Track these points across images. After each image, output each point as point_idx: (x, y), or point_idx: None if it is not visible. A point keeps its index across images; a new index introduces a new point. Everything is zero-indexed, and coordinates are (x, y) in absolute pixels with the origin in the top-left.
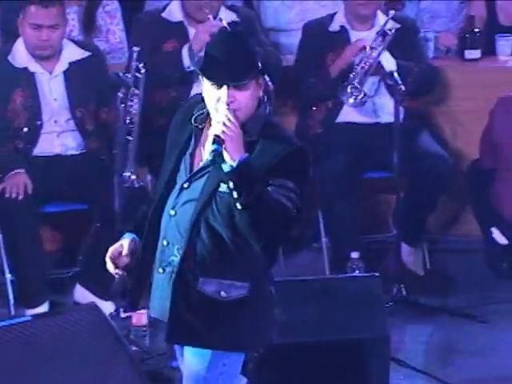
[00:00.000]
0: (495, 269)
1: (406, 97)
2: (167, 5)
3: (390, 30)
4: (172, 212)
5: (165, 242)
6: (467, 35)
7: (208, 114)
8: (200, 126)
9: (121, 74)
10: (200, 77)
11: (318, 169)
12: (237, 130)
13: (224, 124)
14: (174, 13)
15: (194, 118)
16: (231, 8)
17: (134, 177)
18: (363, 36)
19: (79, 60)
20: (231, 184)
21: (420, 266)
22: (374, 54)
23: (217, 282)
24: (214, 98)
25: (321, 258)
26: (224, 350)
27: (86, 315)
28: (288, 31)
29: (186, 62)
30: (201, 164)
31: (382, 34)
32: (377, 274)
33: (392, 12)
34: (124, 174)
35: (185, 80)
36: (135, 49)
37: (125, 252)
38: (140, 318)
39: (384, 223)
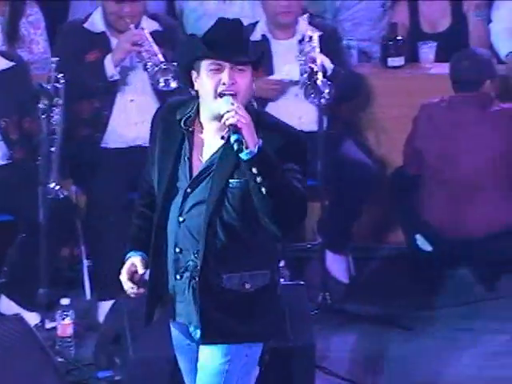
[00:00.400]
0: (420, 276)
1: (331, 102)
2: (89, 15)
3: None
4: (181, 218)
5: (177, 249)
6: (390, 42)
7: (196, 115)
8: (190, 129)
9: (44, 85)
10: (195, 71)
11: None
12: (248, 117)
13: (236, 112)
14: (96, 23)
15: (183, 121)
16: (153, 17)
17: (58, 187)
18: (284, 45)
19: (3, 70)
20: (254, 170)
21: (345, 274)
22: (313, 54)
23: (239, 276)
24: (214, 83)
25: None
26: (254, 341)
27: (12, 327)
28: None
29: (109, 71)
30: (199, 166)
31: (309, 39)
32: (302, 282)
33: (306, 15)
34: (48, 184)
35: (108, 90)
36: (54, 59)
37: (141, 270)
38: (65, 328)
39: (309, 231)
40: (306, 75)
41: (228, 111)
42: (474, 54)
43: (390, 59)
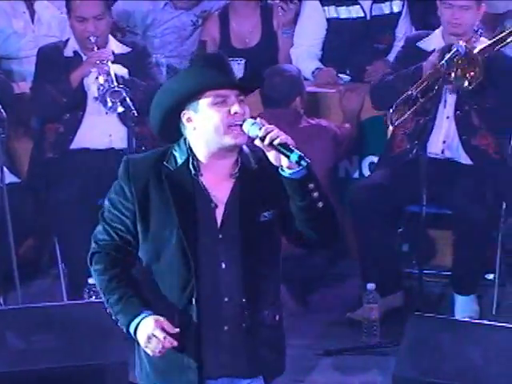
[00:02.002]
0: None
1: (136, 117)
2: None
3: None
4: (223, 265)
5: (226, 299)
6: None
7: (194, 158)
8: (199, 173)
9: None
10: (188, 111)
11: (51, 195)
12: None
13: (277, 131)
14: None
15: (191, 167)
16: None
17: None
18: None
19: None
20: (312, 184)
21: None
22: (107, 68)
23: (271, 309)
24: (222, 116)
25: (58, 284)
26: (282, 372)
27: None
28: (20, 59)
29: None
30: (221, 209)
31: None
32: None
33: (117, 37)
34: None
35: None
36: None
37: (174, 330)
38: None
39: None
40: (101, 88)
41: (268, 132)
42: (285, 70)
43: None
